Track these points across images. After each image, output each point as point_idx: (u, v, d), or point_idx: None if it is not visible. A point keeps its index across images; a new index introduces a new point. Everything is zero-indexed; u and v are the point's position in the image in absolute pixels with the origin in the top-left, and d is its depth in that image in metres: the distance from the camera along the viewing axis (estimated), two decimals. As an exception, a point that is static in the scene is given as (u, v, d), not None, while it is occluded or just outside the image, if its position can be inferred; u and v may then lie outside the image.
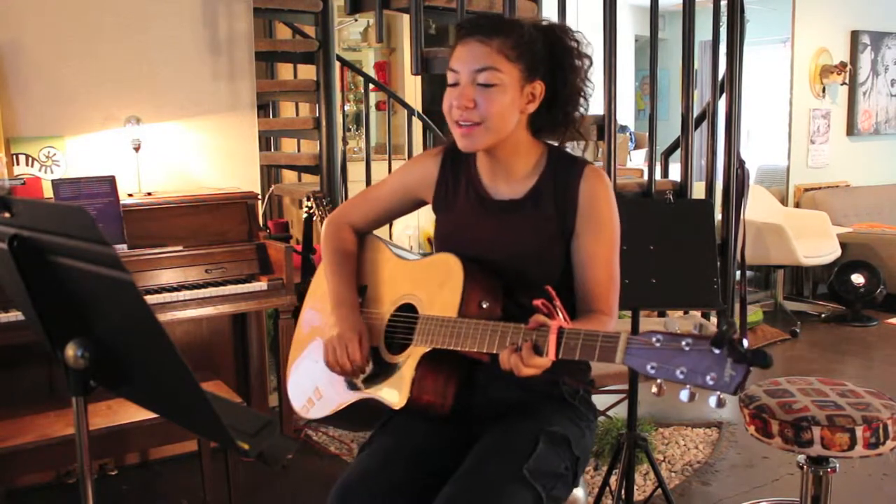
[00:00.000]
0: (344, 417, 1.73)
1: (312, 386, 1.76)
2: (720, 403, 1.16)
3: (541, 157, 1.64)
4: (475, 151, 1.62)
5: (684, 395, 1.17)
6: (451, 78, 1.56)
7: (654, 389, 1.21)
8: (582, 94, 1.62)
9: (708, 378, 1.14)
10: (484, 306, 1.53)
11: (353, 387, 1.67)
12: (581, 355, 1.29)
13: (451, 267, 1.57)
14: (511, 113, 1.54)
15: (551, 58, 1.57)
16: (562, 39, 1.59)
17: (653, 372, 1.19)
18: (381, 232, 1.93)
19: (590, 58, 1.63)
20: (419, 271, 1.69)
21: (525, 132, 1.61)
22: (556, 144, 1.67)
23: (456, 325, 1.49)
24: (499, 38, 1.52)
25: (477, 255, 1.59)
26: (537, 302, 1.35)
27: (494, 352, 1.42)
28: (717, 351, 1.14)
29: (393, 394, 1.56)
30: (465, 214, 1.67)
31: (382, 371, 1.62)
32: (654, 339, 1.20)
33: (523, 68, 1.53)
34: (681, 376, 1.17)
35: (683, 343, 1.17)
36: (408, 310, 1.64)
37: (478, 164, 1.68)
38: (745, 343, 1.13)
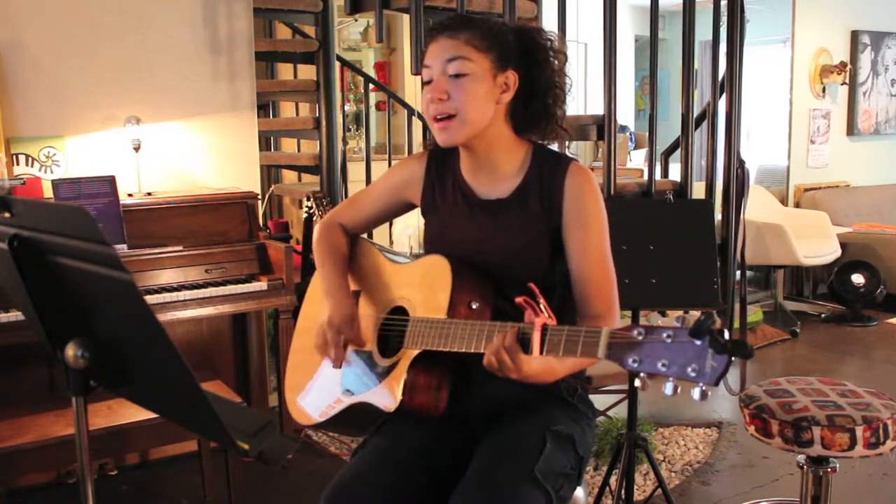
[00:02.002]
0: (340, 423, 1.72)
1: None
2: (703, 395, 1.15)
3: (526, 155, 1.64)
4: (454, 145, 1.61)
5: (668, 388, 1.16)
6: (425, 75, 1.58)
7: (638, 383, 1.21)
8: (558, 86, 1.62)
9: (689, 370, 1.14)
10: (474, 307, 1.53)
11: (346, 392, 1.67)
12: (564, 351, 1.29)
13: (440, 269, 1.57)
14: (486, 103, 1.55)
15: (523, 51, 1.58)
16: (533, 37, 1.60)
17: (635, 365, 1.19)
18: (382, 231, 1.93)
19: (565, 54, 1.64)
20: (410, 274, 1.69)
21: (506, 127, 1.61)
22: (541, 143, 1.67)
23: (445, 326, 1.49)
24: (467, 31, 1.54)
25: (465, 256, 1.59)
26: (520, 299, 1.35)
27: (483, 351, 1.41)
28: (697, 342, 1.14)
29: (385, 397, 1.56)
30: (452, 215, 1.68)
31: (375, 374, 1.62)
32: (635, 332, 1.20)
33: (494, 58, 1.54)
34: (662, 369, 1.16)
35: (664, 335, 1.17)
36: (400, 313, 1.64)
37: (461, 164, 1.68)
38: (727, 333, 1.13)
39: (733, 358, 1.12)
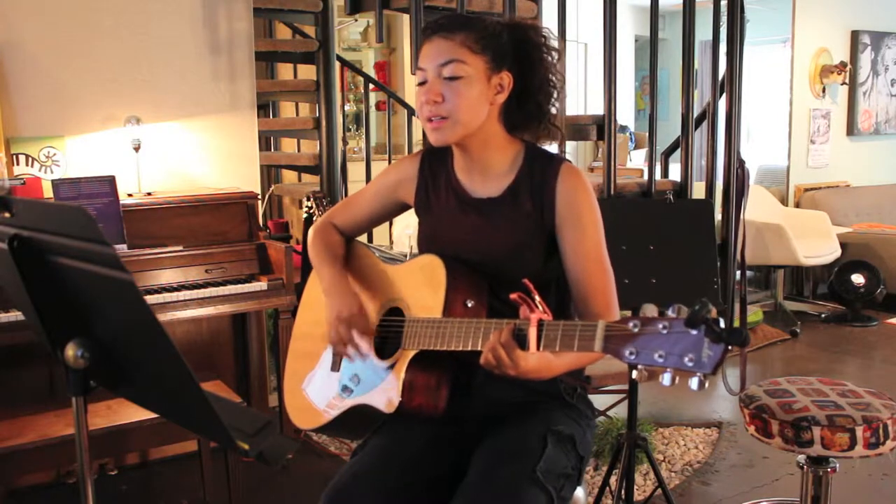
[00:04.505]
0: (340, 426, 1.72)
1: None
2: (701, 385, 1.14)
3: (518, 154, 1.64)
4: (447, 145, 1.62)
5: (666, 378, 1.16)
6: (419, 77, 1.58)
7: (635, 375, 1.20)
8: (552, 84, 1.61)
9: (686, 359, 1.13)
10: (469, 305, 1.53)
11: (345, 394, 1.66)
12: (561, 346, 1.29)
13: (434, 268, 1.57)
14: (479, 105, 1.55)
15: (517, 50, 1.58)
16: (527, 35, 1.60)
17: (632, 358, 1.18)
18: (382, 232, 1.93)
19: (558, 51, 1.63)
20: (404, 275, 1.69)
21: (498, 126, 1.61)
22: (533, 142, 1.67)
23: (441, 325, 1.49)
24: (461, 33, 1.54)
25: (458, 255, 1.59)
26: (514, 296, 1.34)
27: (479, 349, 1.41)
28: (693, 332, 1.13)
29: (384, 398, 1.56)
30: (445, 215, 1.68)
31: (374, 376, 1.62)
32: (631, 325, 1.20)
33: (488, 59, 1.54)
34: (659, 360, 1.16)
35: (660, 326, 1.17)
36: (396, 314, 1.64)
37: (455, 163, 1.68)
38: (722, 322, 1.13)
39: (730, 346, 1.11)
